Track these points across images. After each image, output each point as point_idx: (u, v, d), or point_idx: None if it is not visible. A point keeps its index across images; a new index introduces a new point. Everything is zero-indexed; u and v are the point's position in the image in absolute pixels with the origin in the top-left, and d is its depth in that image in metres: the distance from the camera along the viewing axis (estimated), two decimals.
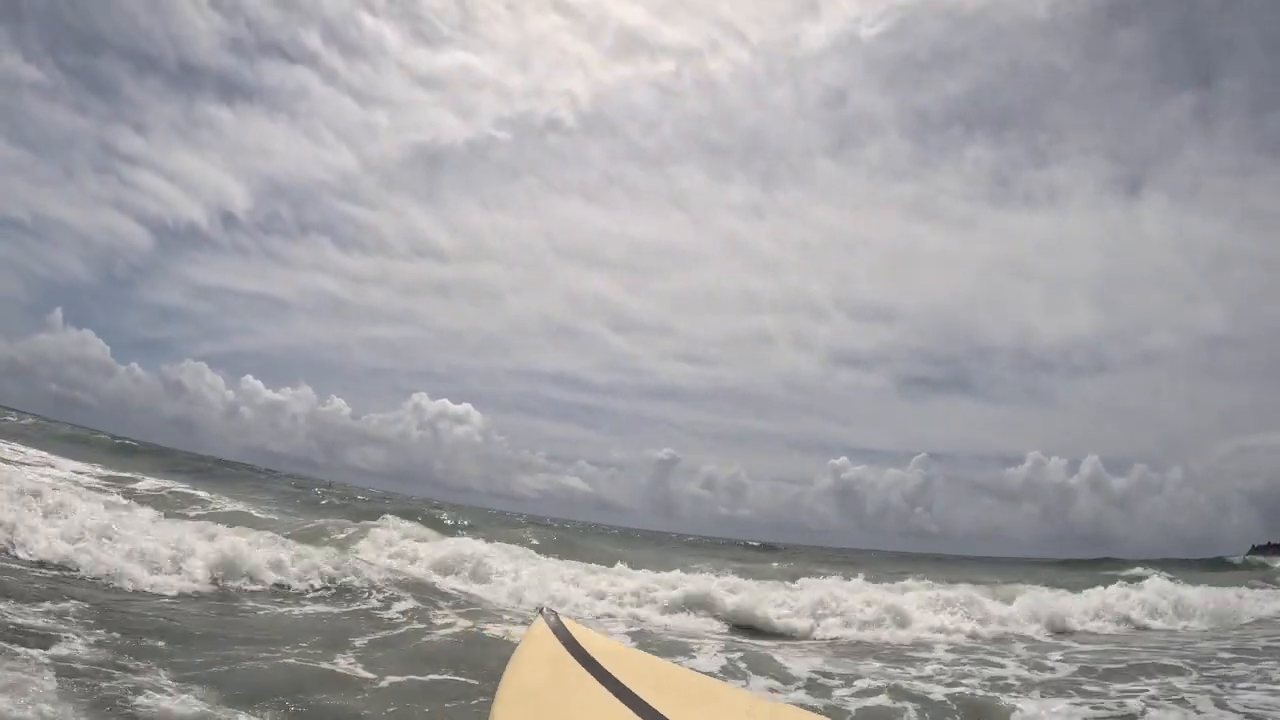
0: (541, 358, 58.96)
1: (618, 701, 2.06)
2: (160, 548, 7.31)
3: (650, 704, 2.04)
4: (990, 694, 6.00)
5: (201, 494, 14.31)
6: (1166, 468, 38.11)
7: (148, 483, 14.47)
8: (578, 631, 2.37)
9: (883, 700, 5.59)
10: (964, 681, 6.48)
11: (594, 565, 11.45)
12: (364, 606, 7.14)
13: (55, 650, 4.48)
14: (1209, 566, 20.33)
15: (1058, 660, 7.67)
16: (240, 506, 13.71)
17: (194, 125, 53.41)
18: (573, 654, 2.26)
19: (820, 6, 56.19)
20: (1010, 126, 55.48)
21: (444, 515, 17.36)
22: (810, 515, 39.22)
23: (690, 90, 58.19)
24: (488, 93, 60.38)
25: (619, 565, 11.44)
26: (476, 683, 5.11)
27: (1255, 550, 30.08)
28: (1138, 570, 16.41)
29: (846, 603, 9.71)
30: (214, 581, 7.24)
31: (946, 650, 8.26)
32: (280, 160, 57.58)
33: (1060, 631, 10.09)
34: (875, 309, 59.71)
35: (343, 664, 5.27)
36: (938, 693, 5.83)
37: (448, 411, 40.51)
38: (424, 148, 55.14)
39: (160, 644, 5.06)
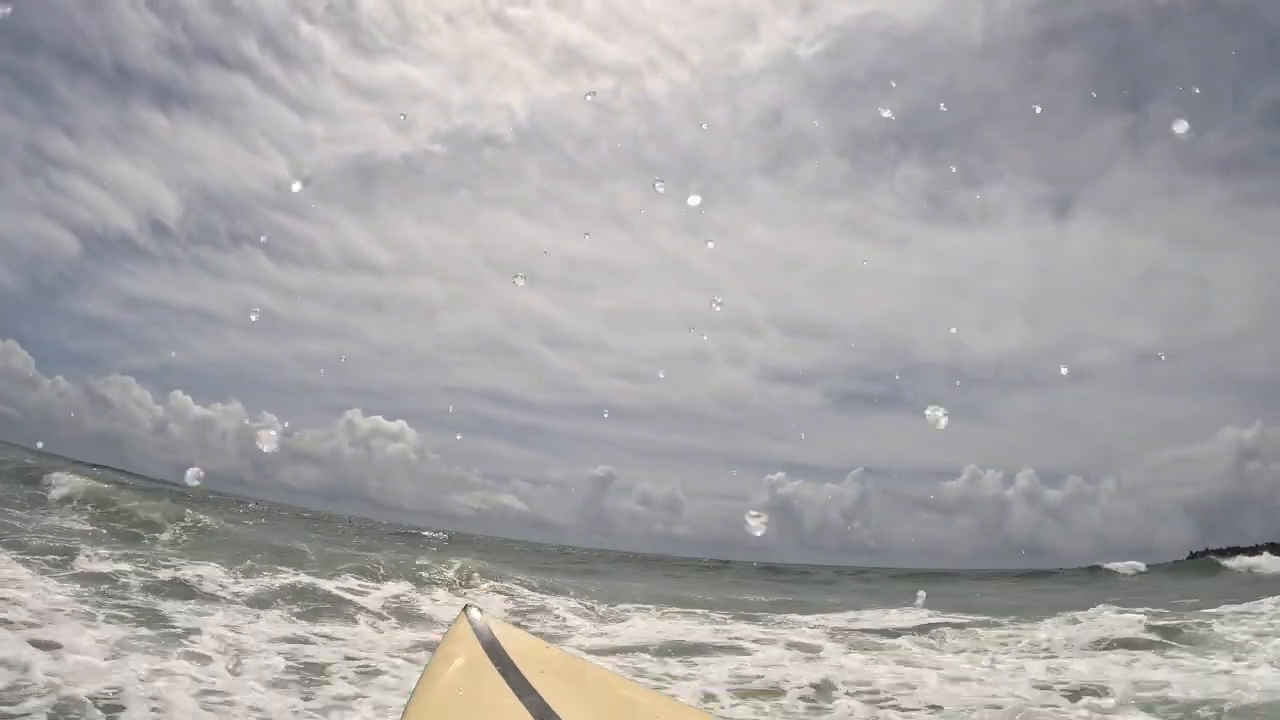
0: (476, 374, 57.92)
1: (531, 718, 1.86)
2: None
3: None
4: None
5: None
6: (1100, 479, 39.14)
7: None
8: (501, 632, 2.18)
9: None
10: None
11: None
12: None
13: None
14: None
15: None
16: None
17: (127, 130, 51.35)
18: (492, 659, 2.05)
19: (759, 26, 57.13)
20: (944, 146, 57.30)
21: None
22: (748, 531, 39.03)
23: (628, 108, 58.77)
24: (426, 105, 59.88)
25: None
26: None
27: (1194, 556, 30.79)
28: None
29: None
30: None
31: None
32: (214, 168, 55.66)
33: None
34: (811, 326, 60.58)
35: None
36: None
37: (381, 428, 39.64)
38: (360, 159, 54.06)
39: None
